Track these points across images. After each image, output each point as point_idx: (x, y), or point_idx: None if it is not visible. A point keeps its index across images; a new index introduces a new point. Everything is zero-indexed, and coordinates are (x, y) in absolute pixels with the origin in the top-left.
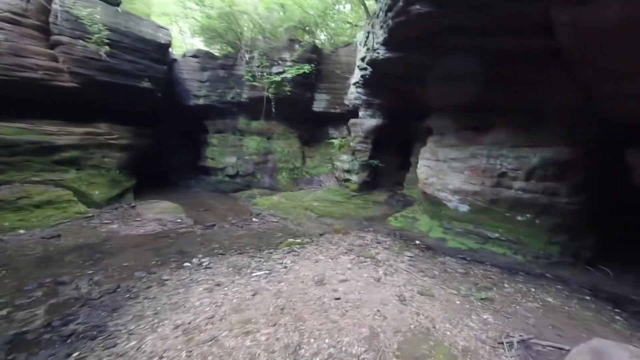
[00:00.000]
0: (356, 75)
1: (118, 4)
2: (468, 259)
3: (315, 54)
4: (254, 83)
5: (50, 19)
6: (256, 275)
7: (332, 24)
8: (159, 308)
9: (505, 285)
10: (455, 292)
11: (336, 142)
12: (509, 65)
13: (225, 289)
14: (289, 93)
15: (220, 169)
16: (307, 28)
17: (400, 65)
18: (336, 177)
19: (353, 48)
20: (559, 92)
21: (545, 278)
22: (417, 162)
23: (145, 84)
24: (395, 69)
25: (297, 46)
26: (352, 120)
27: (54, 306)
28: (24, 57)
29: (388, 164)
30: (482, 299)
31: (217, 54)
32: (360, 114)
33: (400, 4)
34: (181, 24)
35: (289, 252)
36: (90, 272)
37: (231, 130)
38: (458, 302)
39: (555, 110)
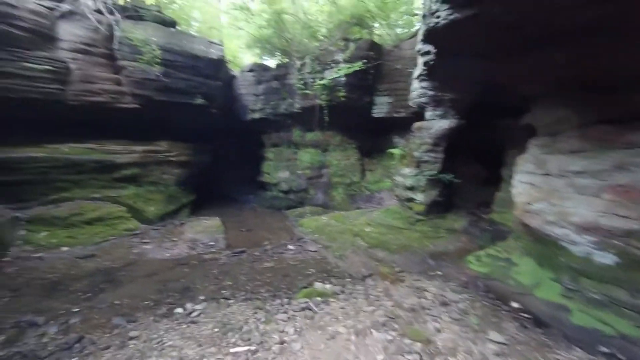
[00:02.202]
0: (419, 66)
1: (173, 25)
2: None
3: (372, 51)
4: (306, 91)
5: (114, 46)
6: (233, 354)
7: (396, 17)
8: None
9: None
10: None
11: (396, 152)
12: None
13: None
14: (343, 99)
15: (274, 184)
16: (363, 23)
17: (473, 32)
18: (396, 196)
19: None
20: None
21: None
22: (511, 177)
23: (199, 101)
24: (465, 40)
25: (351, 44)
26: (416, 124)
27: None
28: (92, 83)
29: (468, 179)
30: None
31: (273, 66)
32: (427, 115)
33: None
34: (237, 39)
35: (304, 309)
36: (76, 310)
37: (286, 143)
38: None
39: None
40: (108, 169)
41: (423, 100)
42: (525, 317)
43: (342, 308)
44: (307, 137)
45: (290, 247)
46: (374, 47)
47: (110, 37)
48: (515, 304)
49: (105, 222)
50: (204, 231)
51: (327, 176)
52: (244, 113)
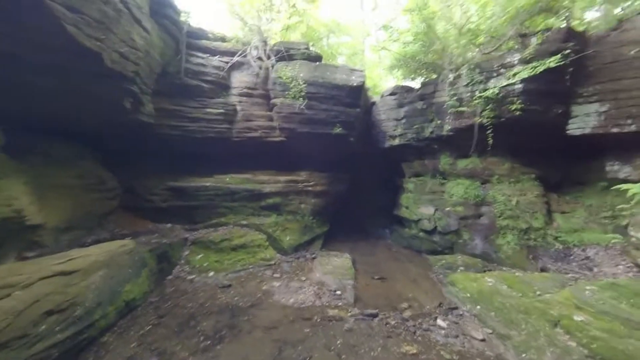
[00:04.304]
0: None
1: (319, 59)
2: None
3: (571, 41)
4: (461, 108)
5: (269, 86)
6: None
7: None
8: None
9: None
10: None
11: (636, 188)
12: None
13: None
14: (518, 113)
15: (414, 220)
16: (552, 7)
17: None
18: (636, 262)
19: None
20: None
21: None
22: None
23: (338, 130)
24: None
25: (533, 39)
26: None
27: None
28: (251, 121)
29: None
30: None
31: (417, 86)
32: None
33: None
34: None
35: None
36: None
37: (431, 172)
38: None
39: None
40: (257, 197)
41: None
42: None
43: None
44: (459, 164)
45: (440, 322)
46: (572, 36)
47: (266, 79)
48: None
49: (247, 249)
50: (332, 272)
51: (490, 217)
52: (383, 140)
